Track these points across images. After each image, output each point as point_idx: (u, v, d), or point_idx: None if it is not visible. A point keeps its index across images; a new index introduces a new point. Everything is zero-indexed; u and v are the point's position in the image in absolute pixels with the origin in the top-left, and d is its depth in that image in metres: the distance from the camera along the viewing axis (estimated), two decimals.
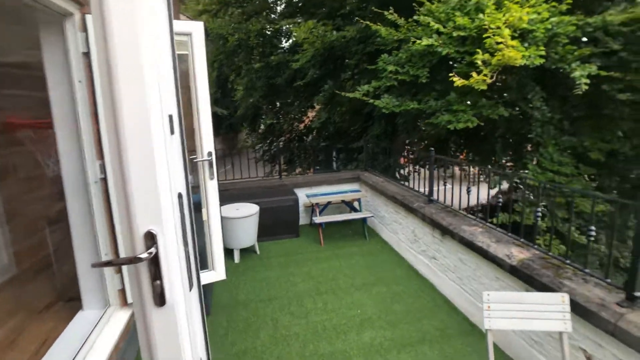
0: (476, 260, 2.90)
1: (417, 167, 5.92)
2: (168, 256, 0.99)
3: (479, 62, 3.58)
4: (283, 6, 8.73)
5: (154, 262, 0.97)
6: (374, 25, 4.76)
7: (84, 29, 2.11)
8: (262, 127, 10.57)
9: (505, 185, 5.44)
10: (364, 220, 4.96)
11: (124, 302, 2.42)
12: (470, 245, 2.91)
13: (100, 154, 2.22)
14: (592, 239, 2.16)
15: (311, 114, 9.33)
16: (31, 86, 2.32)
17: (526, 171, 4.54)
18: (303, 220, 5.27)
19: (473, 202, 5.67)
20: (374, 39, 5.50)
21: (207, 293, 3.16)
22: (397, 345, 2.68)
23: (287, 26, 7.79)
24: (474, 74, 3.55)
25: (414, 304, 3.24)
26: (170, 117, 1.04)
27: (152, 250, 0.95)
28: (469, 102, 4.36)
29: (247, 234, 4.17)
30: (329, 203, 5.07)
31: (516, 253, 2.53)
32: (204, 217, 2.66)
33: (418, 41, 4.03)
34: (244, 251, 4.33)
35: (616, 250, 4.82)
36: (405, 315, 3.05)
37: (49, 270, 2.60)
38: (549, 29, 3.70)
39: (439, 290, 3.44)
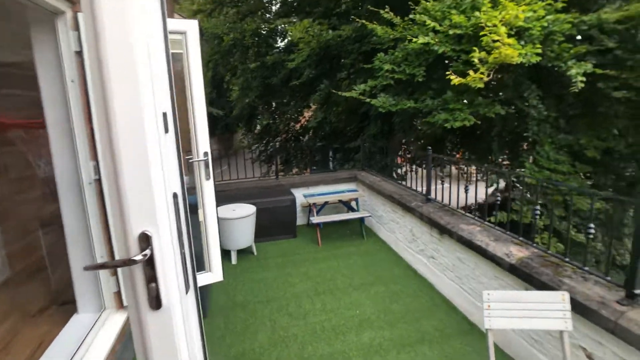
0: (475, 259, 2.89)
1: (413, 166, 5.92)
2: (163, 258, 0.97)
3: (476, 60, 3.57)
4: (278, 5, 8.70)
5: (149, 264, 0.94)
6: (369, 24, 4.75)
7: (76, 27, 2.07)
8: (258, 127, 10.53)
9: (502, 184, 5.45)
10: (361, 220, 4.94)
11: (120, 305, 2.38)
12: (468, 244, 2.90)
13: (95, 155, 2.19)
14: (592, 236, 2.16)
15: (307, 113, 9.31)
16: (22, 85, 2.27)
17: (523, 170, 4.55)
18: (300, 220, 5.25)
19: (470, 201, 5.68)
20: (369, 38, 5.49)
21: (204, 295, 3.13)
22: (397, 346, 2.66)
23: (283, 25, 7.76)
24: (471, 72, 3.55)
25: (413, 303, 3.22)
26: (165, 114, 1.02)
27: (147, 252, 0.92)
28: (465, 101, 4.36)
29: (244, 235, 4.14)
30: (326, 203, 5.05)
31: (515, 251, 2.52)
32: (200, 218, 2.63)
33: (414, 39, 4.02)
34: (241, 252, 4.30)
35: (612, 247, 4.84)
36: (404, 315, 3.03)
37: (43, 273, 2.55)
38: (545, 26, 3.70)
39: (438, 289, 3.43)
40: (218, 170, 6.13)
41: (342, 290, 3.46)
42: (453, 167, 7.05)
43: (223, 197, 4.50)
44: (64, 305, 2.40)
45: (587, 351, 1.99)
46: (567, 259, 2.31)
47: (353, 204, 5.21)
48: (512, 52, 3.38)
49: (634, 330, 1.69)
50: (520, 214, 3.39)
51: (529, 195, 4.84)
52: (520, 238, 2.70)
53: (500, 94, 4.74)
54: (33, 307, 2.38)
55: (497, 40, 3.43)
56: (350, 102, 6.25)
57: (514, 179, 5.31)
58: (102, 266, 0.99)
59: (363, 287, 3.50)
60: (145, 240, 0.92)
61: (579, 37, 4.07)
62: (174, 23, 2.36)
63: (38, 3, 1.81)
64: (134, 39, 0.89)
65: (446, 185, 3.75)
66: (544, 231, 4.40)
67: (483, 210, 3.28)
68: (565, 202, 4.42)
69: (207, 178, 2.57)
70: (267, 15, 8.75)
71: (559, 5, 3.78)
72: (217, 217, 2.72)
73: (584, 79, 3.53)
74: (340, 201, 5.21)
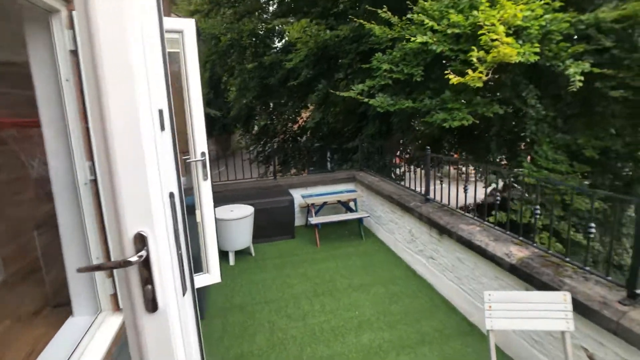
0: (474, 260, 2.87)
1: (412, 166, 5.91)
2: (160, 259, 0.94)
3: (475, 59, 3.57)
4: (275, 6, 8.68)
5: (145, 266, 0.91)
6: (367, 24, 4.73)
7: (71, 26, 2.04)
8: (256, 128, 10.51)
9: (500, 184, 5.45)
10: (360, 220, 4.92)
11: (117, 308, 2.35)
12: (468, 244, 2.89)
13: (90, 155, 2.15)
14: (592, 236, 2.15)
15: (305, 114, 9.29)
16: (15, 84, 2.24)
17: (521, 169, 4.55)
18: (298, 221, 5.22)
19: (469, 200, 5.67)
20: (367, 38, 5.47)
21: (202, 296, 3.10)
22: (396, 347, 2.64)
23: (280, 26, 7.74)
24: (469, 71, 3.54)
25: (412, 304, 3.20)
26: (161, 111, 0.99)
27: (143, 253, 0.89)
28: (463, 100, 4.36)
29: (242, 236, 4.11)
30: (324, 203, 5.03)
31: (515, 251, 2.51)
32: (198, 219, 2.60)
33: (413, 38, 4.01)
34: (239, 253, 4.27)
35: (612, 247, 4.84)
36: (403, 316, 3.01)
37: (37, 275, 2.52)
38: (543, 25, 3.70)
39: (437, 290, 3.41)
40: (216, 171, 6.11)
41: (341, 291, 3.44)
42: (451, 168, 7.06)
43: (221, 197, 4.47)
44: (59, 307, 2.36)
45: (588, 352, 1.98)
46: (567, 259, 2.30)
47: (351, 204, 5.19)
48: (510, 51, 3.37)
49: (636, 331, 1.67)
50: (520, 213, 3.38)
51: (526, 195, 4.84)
52: (520, 238, 2.68)
53: (498, 93, 4.74)
54: (27, 309, 2.34)
55: (496, 39, 3.42)
56: (348, 102, 6.23)
57: (512, 179, 5.31)
58: (97, 268, 0.96)
59: (362, 288, 3.47)
60: (140, 241, 0.90)
61: (576, 37, 4.07)
62: (171, 22, 2.33)
63: (32, 1, 1.79)
64: (129, 37, 0.87)
65: (445, 185, 3.74)
66: (542, 231, 4.39)
67: (482, 210, 3.26)
68: (563, 201, 4.42)
69: (205, 178, 2.54)
70: (265, 16, 8.73)
71: (557, 4, 3.78)
72: (215, 218, 2.69)
73: (582, 78, 3.53)
74: (338, 202, 5.18)
